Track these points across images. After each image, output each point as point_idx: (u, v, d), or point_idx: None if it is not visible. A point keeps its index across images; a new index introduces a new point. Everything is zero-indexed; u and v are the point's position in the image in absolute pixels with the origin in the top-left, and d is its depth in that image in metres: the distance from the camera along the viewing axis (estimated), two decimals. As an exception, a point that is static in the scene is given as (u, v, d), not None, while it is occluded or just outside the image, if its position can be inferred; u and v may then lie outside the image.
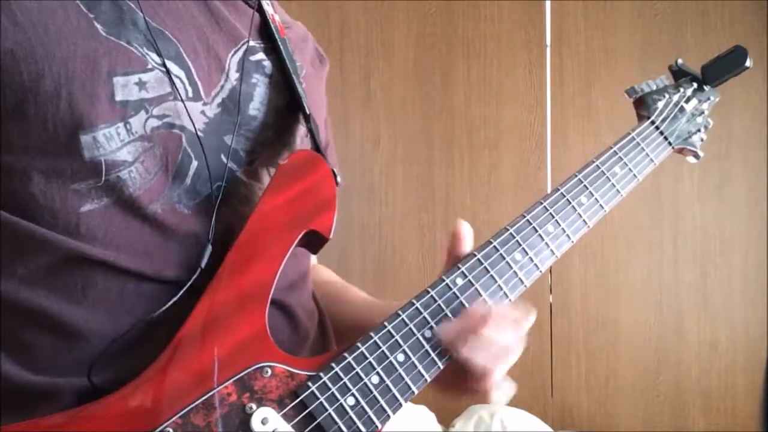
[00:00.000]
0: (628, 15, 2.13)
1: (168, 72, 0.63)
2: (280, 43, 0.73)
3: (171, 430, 0.55)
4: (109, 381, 0.57)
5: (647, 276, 2.14)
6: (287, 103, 0.72)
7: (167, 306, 0.59)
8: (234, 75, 0.68)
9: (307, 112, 0.72)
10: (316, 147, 0.73)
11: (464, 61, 2.12)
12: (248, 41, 0.71)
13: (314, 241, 0.67)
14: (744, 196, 2.14)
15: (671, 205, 2.14)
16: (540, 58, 2.13)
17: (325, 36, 2.05)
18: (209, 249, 0.62)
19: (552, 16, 2.13)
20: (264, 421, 0.57)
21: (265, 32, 0.74)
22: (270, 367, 0.59)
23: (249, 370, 0.59)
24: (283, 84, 0.72)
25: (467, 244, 0.69)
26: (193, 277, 0.60)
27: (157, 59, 0.63)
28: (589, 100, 2.13)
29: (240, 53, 0.70)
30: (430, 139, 2.12)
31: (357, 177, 2.09)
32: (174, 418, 0.55)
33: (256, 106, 0.70)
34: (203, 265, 0.61)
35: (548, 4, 2.13)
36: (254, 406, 0.57)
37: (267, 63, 0.72)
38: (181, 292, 0.60)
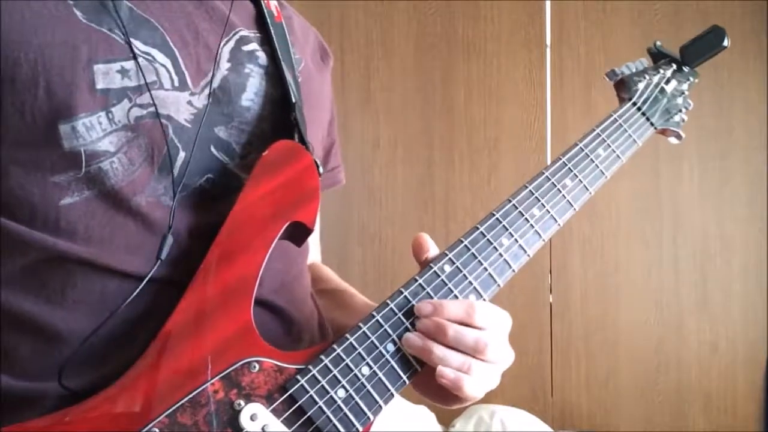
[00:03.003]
0: (628, 15, 2.13)
1: (152, 60, 0.61)
2: (272, 29, 0.71)
3: (157, 430, 0.54)
4: (88, 383, 0.56)
5: (647, 276, 2.13)
6: (284, 96, 0.70)
7: (128, 301, 0.57)
8: (225, 65, 0.66)
9: (293, 101, 0.69)
10: (301, 138, 0.70)
11: (464, 61, 2.12)
12: (240, 30, 0.69)
13: (298, 233, 0.66)
14: (744, 196, 2.13)
15: (671, 205, 2.13)
16: (540, 58, 2.13)
17: (325, 36, 2.01)
18: (170, 240, 0.60)
19: (552, 16, 2.13)
20: (253, 417, 0.56)
21: (260, 22, 0.72)
22: (257, 361, 0.58)
23: (236, 365, 0.57)
24: (279, 76, 0.70)
25: (431, 250, 0.67)
26: (152, 270, 0.58)
27: (142, 47, 0.61)
28: (589, 100, 2.12)
29: (232, 43, 0.68)
30: (430, 139, 2.11)
31: (357, 177, 2.08)
32: (160, 418, 0.54)
33: (249, 97, 0.67)
34: (163, 256, 0.59)
35: (548, 4, 2.13)
36: (242, 403, 0.56)
37: (261, 54, 0.70)
38: (141, 285, 0.58)
